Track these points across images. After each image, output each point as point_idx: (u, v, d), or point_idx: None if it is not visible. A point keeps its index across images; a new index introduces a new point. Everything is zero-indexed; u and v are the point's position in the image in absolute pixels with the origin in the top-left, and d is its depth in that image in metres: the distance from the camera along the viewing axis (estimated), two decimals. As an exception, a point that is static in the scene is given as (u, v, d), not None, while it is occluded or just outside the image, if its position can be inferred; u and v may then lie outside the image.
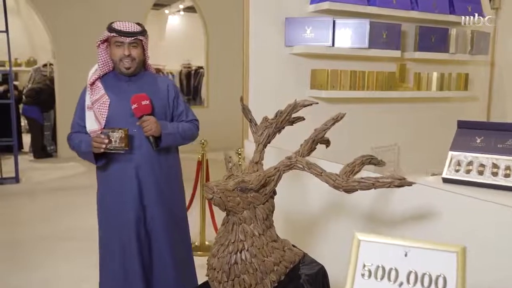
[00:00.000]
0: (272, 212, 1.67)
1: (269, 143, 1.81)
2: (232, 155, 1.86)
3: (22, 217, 4.87)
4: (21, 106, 7.65)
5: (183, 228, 2.47)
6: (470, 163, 1.73)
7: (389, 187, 1.37)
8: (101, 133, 2.10)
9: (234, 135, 4.12)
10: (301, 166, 1.55)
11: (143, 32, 2.18)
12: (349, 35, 2.97)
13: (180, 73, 9.79)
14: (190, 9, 10.21)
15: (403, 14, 3.17)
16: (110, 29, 2.13)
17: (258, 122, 1.95)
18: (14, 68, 8.98)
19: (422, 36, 3.29)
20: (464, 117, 3.79)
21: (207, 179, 3.68)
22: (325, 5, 2.88)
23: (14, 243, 4.08)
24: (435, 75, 3.42)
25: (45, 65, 7.93)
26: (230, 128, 5.70)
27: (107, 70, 2.23)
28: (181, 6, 10.78)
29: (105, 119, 2.14)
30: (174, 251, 2.34)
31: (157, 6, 10.74)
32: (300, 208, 2.45)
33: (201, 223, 3.91)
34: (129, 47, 2.12)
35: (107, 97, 2.15)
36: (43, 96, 7.25)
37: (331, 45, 2.95)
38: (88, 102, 2.18)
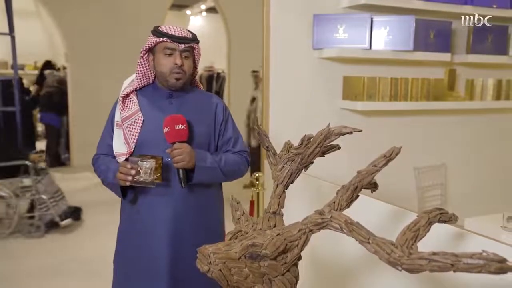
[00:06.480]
0: (296, 284, 1.19)
1: (292, 182, 1.33)
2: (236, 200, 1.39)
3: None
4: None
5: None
6: None
7: (480, 272, 0.87)
8: (127, 160, 1.68)
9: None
10: (337, 226, 1.07)
11: (196, 40, 1.78)
12: (390, 35, 2.55)
13: (201, 76, 9.37)
14: (212, 10, 9.79)
15: (454, 9, 2.71)
16: (158, 33, 1.73)
17: (277, 144, 1.49)
18: (32, 72, 8.78)
19: (476, 35, 2.82)
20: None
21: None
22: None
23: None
24: (490, 82, 2.98)
25: (58, 69, 7.63)
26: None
27: (145, 83, 1.84)
28: (203, 7, 10.35)
29: (135, 141, 1.74)
30: None
31: (178, 7, 10.36)
32: (332, 252, 1.96)
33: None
34: (181, 56, 1.73)
35: (140, 115, 1.76)
36: (54, 100, 6.96)
37: (368, 48, 2.56)
38: (118, 118, 1.80)
